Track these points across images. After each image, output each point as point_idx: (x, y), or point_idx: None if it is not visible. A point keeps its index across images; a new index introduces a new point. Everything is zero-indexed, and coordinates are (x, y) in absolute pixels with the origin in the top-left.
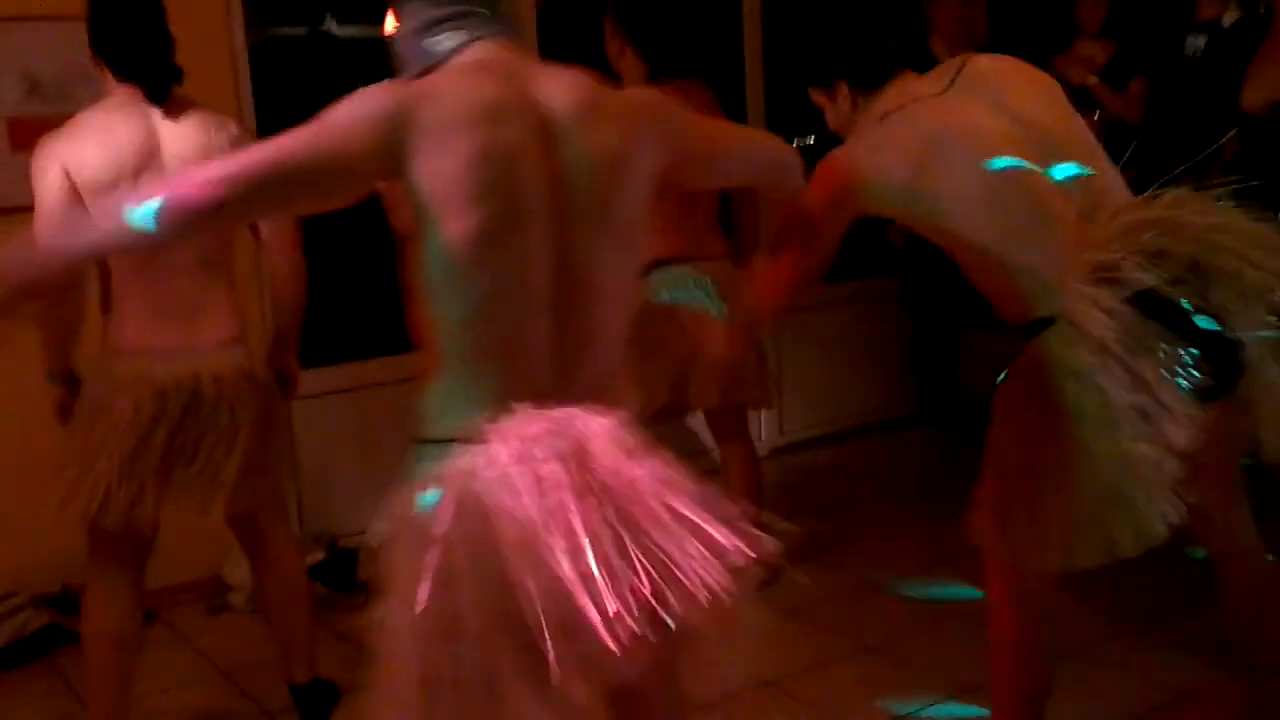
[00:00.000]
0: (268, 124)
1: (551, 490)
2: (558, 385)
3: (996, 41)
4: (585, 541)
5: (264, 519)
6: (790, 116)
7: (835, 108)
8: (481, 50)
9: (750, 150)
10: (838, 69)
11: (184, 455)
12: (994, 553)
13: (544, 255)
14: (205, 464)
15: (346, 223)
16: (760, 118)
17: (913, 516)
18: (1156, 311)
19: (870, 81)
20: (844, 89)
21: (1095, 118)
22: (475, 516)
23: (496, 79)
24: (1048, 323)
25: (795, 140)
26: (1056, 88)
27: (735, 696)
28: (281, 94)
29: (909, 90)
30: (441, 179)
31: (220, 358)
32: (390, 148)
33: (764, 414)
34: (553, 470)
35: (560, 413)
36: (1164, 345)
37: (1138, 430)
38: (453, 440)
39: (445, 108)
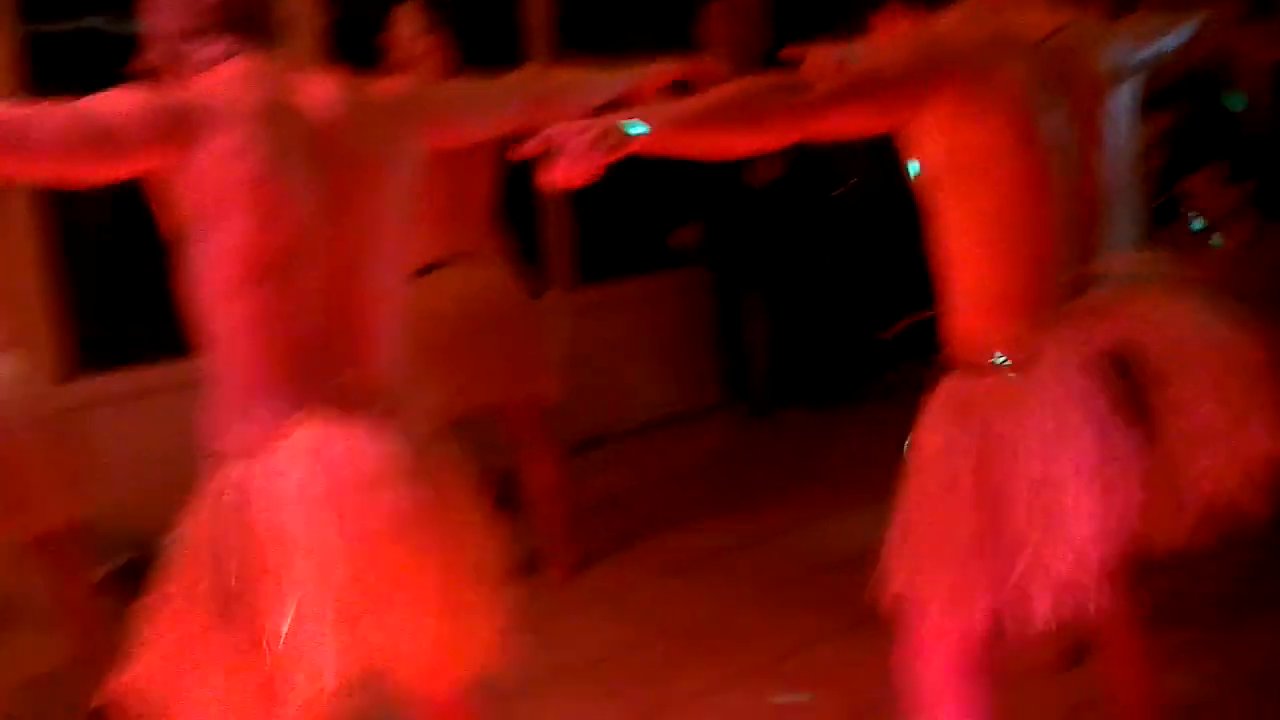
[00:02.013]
0: None
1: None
2: (333, 386)
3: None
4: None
5: (49, 537)
6: None
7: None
8: (244, 62)
9: (500, 85)
10: None
11: None
12: (920, 616)
13: (317, 253)
14: None
15: (114, 223)
16: None
17: (713, 503)
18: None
19: None
20: None
21: None
22: (235, 530)
23: (262, 86)
24: (992, 363)
25: None
26: None
27: (542, 682)
28: (54, 91)
29: None
30: (217, 183)
31: None
32: (168, 141)
33: (563, 409)
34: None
35: (335, 431)
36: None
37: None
38: (236, 452)
39: (221, 114)
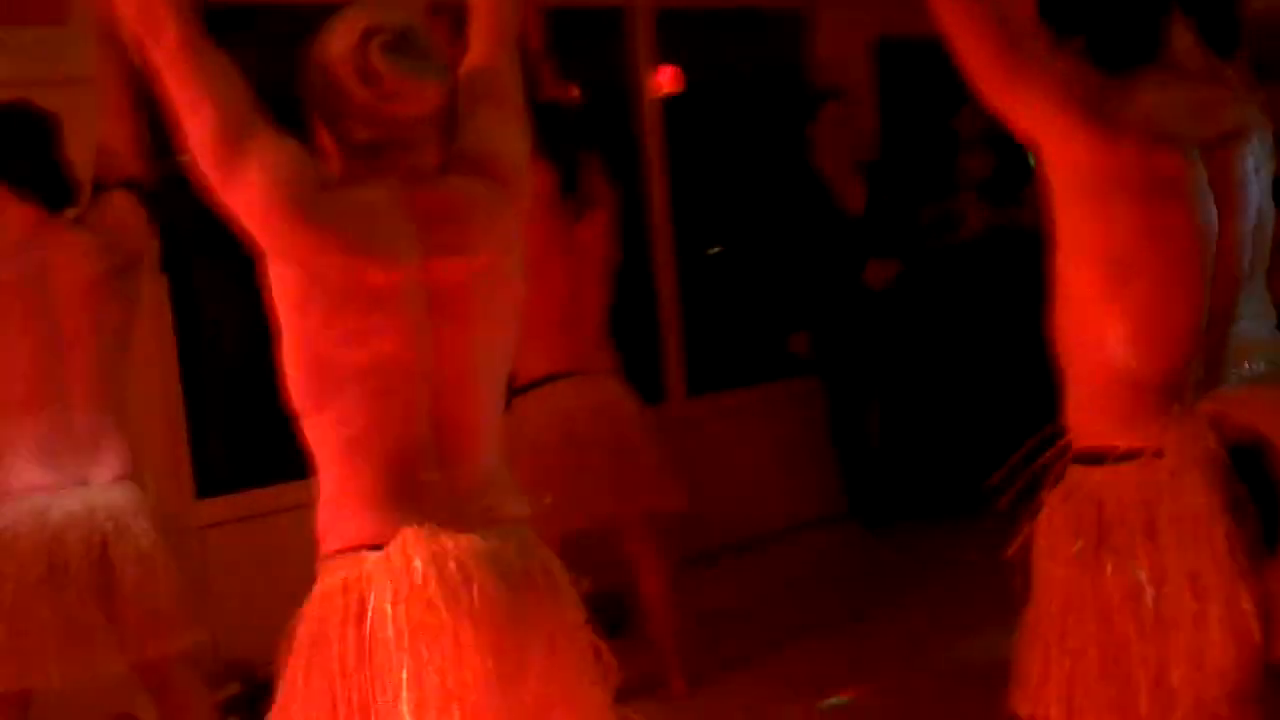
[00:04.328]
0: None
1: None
2: (433, 494)
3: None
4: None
5: (168, 663)
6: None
7: None
8: (371, 156)
9: None
10: None
11: (85, 604)
12: None
13: (421, 357)
14: (107, 613)
15: (233, 351)
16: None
17: (832, 619)
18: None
19: None
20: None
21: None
22: (358, 624)
23: (377, 181)
24: (1127, 455)
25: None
26: None
27: None
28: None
29: None
30: (319, 278)
31: (113, 496)
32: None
33: (677, 523)
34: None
35: (448, 537)
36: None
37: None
38: (345, 551)
39: (335, 208)
